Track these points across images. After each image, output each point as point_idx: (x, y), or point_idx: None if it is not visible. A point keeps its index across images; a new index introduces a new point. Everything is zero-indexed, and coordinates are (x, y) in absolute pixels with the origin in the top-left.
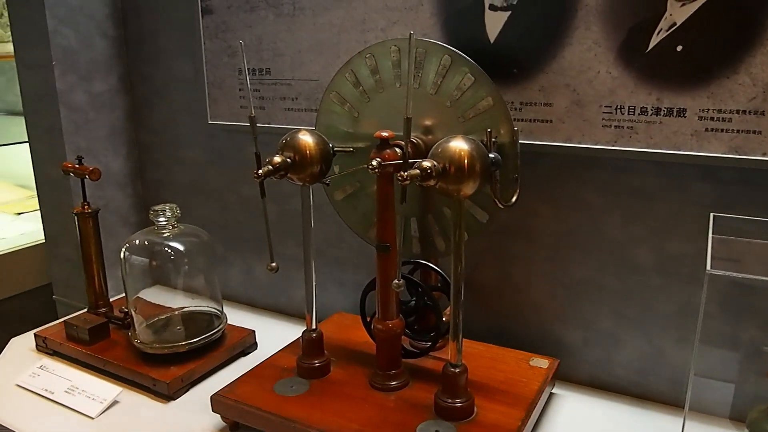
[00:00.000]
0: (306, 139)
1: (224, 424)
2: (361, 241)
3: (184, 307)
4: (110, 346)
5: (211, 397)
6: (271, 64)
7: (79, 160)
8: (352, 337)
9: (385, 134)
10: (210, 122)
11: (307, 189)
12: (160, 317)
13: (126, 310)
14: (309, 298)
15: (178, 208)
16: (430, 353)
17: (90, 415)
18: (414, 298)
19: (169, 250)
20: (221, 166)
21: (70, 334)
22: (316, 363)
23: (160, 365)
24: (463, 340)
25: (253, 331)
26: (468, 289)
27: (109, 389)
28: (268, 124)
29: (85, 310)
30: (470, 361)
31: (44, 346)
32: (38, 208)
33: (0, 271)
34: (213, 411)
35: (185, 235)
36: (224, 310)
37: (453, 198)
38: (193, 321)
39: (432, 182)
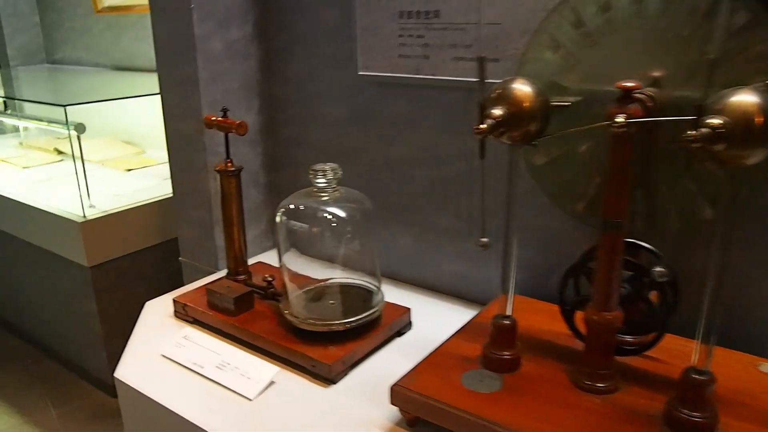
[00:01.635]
0: (524, 89)
1: (394, 415)
2: (531, 214)
3: (333, 279)
4: (256, 318)
5: (391, 387)
6: (441, 5)
7: (224, 112)
8: (533, 324)
9: (630, 84)
10: (360, 73)
11: (517, 151)
12: (309, 288)
13: (270, 279)
14: (506, 279)
15: (340, 170)
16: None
17: (248, 396)
18: (629, 286)
19: (331, 217)
20: (367, 124)
21: (212, 302)
22: (507, 355)
23: (317, 344)
24: (667, 335)
25: (409, 310)
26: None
27: (265, 368)
28: (433, 75)
29: (217, 276)
30: (683, 362)
31: (184, 313)
32: (146, 164)
33: (119, 228)
34: (392, 403)
35: (346, 201)
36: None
37: (727, 167)
38: (347, 295)
39: (720, 146)
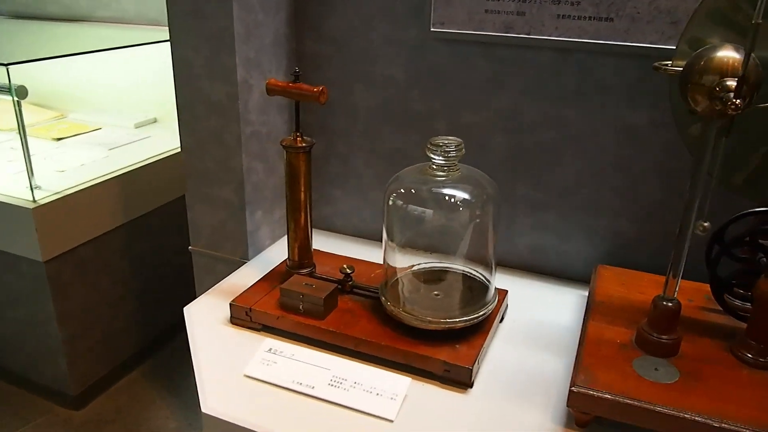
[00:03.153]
0: (738, 57)
1: (558, 416)
2: (626, 184)
3: (443, 268)
4: (348, 319)
5: (570, 389)
6: None
7: (296, 76)
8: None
9: None
10: (433, 30)
11: (714, 125)
12: (418, 281)
13: (349, 270)
14: (678, 261)
15: (463, 146)
16: None
17: (388, 417)
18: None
19: (454, 201)
20: (433, 87)
21: (289, 303)
22: (671, 339)
23: (439, 344)
24: None
25: (506, 291)
26: None
27: (393, 380)
28: (527, 34)
29: (252, 268)
30: None
31: (247, 320)
32: (78, 132)
33: (75, 212)
34: (569, 406)
35: (468, 182)
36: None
37: None
38: (458, 287)
39: None
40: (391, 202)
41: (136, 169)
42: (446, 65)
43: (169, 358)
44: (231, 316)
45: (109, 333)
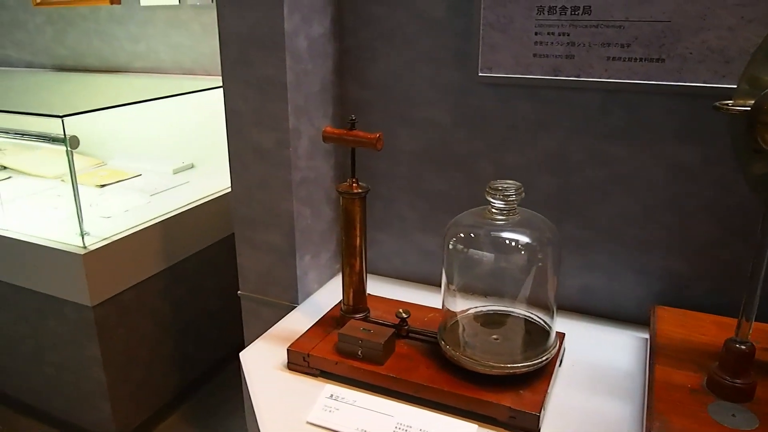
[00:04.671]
0: None
1: None
2: (677, 222)
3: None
4: (407, 364)
5: None
6: (593, 0)
7: (352, 123)
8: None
9: None
10: (481, 74)
11: None
12: (476, 324)
13: (405, 314)
14: (751, 303)
15: (522, 189)
16: None
17: None
18: None
19: (514, 245)
20: (477, 129)
21: (347, 349)
22: (745, 383)
23: (501, 389)
24: None
25: (564, 335)
26: None
27: (460, 428)
28: (577, 77)
29: (302, 313)
30: None
31: (305, 365)
32: (119, 178)
33: (122, 258)
34: None
35: (529, 226)
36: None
37: None
38: (518, 330)
39: None
40: (451, 246)
41: (177, 214)
42: (491, 108)
43: (207, 399)
44: (288, 362)
45: (149, 376)
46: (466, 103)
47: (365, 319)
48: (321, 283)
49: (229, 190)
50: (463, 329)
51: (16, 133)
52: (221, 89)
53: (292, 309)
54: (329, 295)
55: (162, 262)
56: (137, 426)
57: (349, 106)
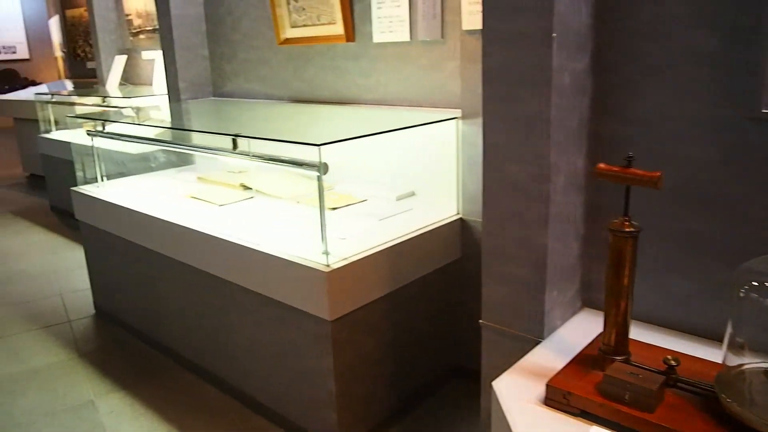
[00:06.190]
0: None
1: None
2: None
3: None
4: (680, 415)
5: None
6: None
7: (629, 160)
8: None
9: None
10: (765, 111)
11: None
12: (750, 376)
13: (674, 362)
14: None
15: None
16: None
17: None
18: None
19: None
20: (750, 170)
21: (613, 391)
22: None
23: None
24: None
25: None
26: None
27: None
28: None
29: (550, 350)
30: None
31: (564, 403)
32: (348, 202)
33: (357, 278)
34: None
35: None
36: None
37: None
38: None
39: None
40: (742, 295)
41: (405, 240)
42: (764, 145)
43: (423, 419)
44: (546, 397)
45: (371, 391)
46: (739, 140)
47: (627, 361)
48: (564, 320)
49: (451, 219)
50: (750, 384)
51: (270, 159)
52: (450, 121)
53: (536, 343)
54: (574, 332)
55: (387, 285)
56: None
57: (604, 141)
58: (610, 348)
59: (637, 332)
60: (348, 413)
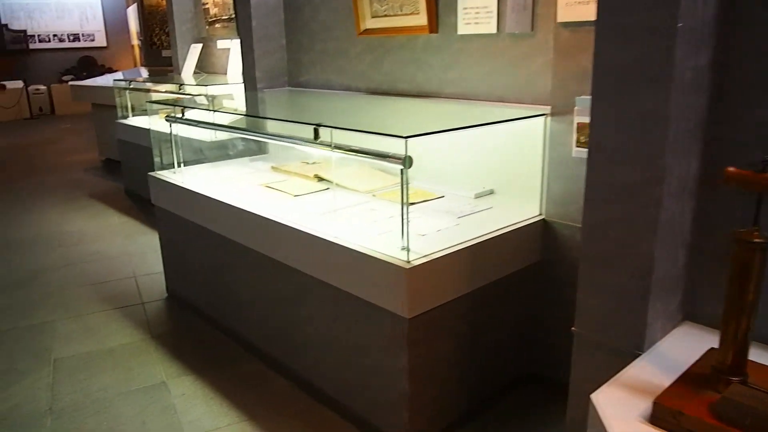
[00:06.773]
0: None
1: None
2: None
3: None
4: None
5: None
6: None
7: (764, 165)
8: None
9: None
10: None
11: None
12: None
13: None
14: None
15: None
16: None
17: None
18: None
19: None
20: None
21: (729, 415)
22: None
23: None
24: None
25: None
26: None
27: None
28: None
29: (651, 363)
30: None
31: (674, 422)
32: (425, 198)
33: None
34: None
35: None
36: None
37: None
38: None
39: None
40: None
41: (486, 240)
42: None
43: (492, 424)
44: (652, 416)
45: (444, 392)
46: None
47: (744, 383)
48: (664, 333)
49: (534, 220)
50: None
51: (353, 150)
52: (538, 118)
53: (635, 356)
54: (676, 347)
55: (466, 285)
56: None
57: (720, 144)
58: (725, 367)
59: (755, 352)
60: (419, 413)
